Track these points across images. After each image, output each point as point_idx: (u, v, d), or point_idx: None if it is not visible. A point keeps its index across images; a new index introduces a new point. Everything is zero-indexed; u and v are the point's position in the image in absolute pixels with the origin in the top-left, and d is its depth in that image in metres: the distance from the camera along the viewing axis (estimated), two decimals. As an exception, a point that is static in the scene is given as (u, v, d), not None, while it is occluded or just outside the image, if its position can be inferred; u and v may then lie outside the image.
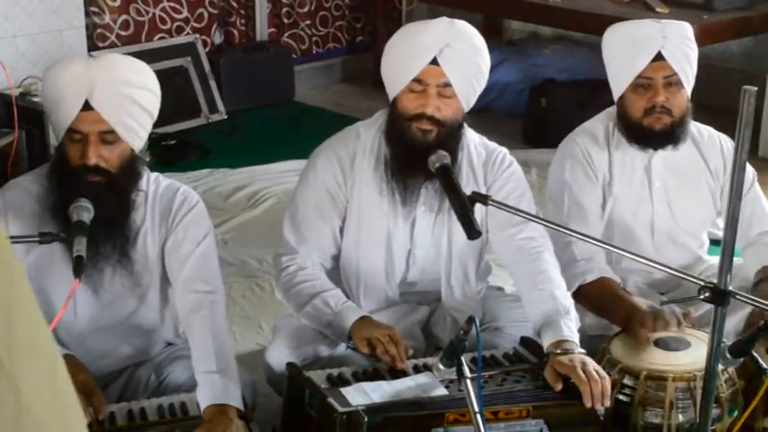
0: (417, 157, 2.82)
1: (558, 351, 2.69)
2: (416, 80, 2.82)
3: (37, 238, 2.43)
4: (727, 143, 3.33)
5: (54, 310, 2.62)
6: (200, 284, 2.70)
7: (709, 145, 3.33)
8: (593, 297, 3.10)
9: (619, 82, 3.20)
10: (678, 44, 3.13)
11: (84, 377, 2.55)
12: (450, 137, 2.86)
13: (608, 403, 2.62)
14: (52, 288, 2.67)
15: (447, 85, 2.82)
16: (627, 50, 3.16)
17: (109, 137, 2.54)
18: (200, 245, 2.73)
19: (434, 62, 2.80)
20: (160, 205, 2.73)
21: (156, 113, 2.65)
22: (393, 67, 2.89)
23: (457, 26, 2.85)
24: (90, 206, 2.49)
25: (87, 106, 2.51)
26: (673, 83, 3.13)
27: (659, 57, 3.10)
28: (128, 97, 2.55)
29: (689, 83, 3.17)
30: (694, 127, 3.30)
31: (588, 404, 2.58)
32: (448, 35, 2.82)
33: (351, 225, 2.99)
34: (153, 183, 2.74)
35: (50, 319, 2.59)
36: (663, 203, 3.29)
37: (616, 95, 3.23)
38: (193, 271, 2.70)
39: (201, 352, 2.60)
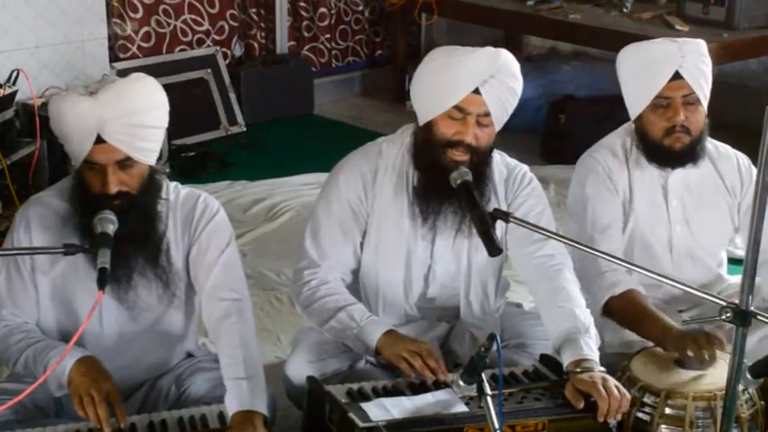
0: (444, 181, 2.82)
1: (579, 369, 2.69)
2: (456, 107, 2.80)
3: (62, 250, 2.45)
4: (743, 161, 3.34)
5: (80, 322, 2.64)
6: (227, 292, 2.72)
7: (726, 162, 3.33)
8: (622, 311, 3.10)
9: (636, 102, 3.19)
10: (695, 62, 3.13)
11: (109, 386, 2.56)
12: (481, 164, 2.87)
13: (620, 417, 2.63)
14: (77, 300, 2.70)
15: (487, 114, 2.82)
16: (644, 70, 3.15)
17: (126, 162, 2.57)
18: (224, 252, 2.75)
19: (476, 91, 2.79)
20: (182, 214, 2.75)
21: (167, 121, 2.66)
22: (430, 92, 2.87)
23: (502, 57, 2.82)
24: (114, 218, 2.51)
25: (99, 140, 2.53)
26: (691, 101, 3.13)
27: (677, 76, 3.10)
28: (138, 125, 2.57)
29: (705, 99, 3.17)
30: (711, 144, 3.30)
31: (602, 419, 2.59)
32: (493, 66, 2.80)
33: (371, 241, 3.00)
34: (173, 191, 2.76)
35: (77, 330, 2.62)
36: (680, 222, 3.29)
37: (633, 115, 3.23)
38: (219, 279, 2.72)
39: (230, 359, 2.61)
